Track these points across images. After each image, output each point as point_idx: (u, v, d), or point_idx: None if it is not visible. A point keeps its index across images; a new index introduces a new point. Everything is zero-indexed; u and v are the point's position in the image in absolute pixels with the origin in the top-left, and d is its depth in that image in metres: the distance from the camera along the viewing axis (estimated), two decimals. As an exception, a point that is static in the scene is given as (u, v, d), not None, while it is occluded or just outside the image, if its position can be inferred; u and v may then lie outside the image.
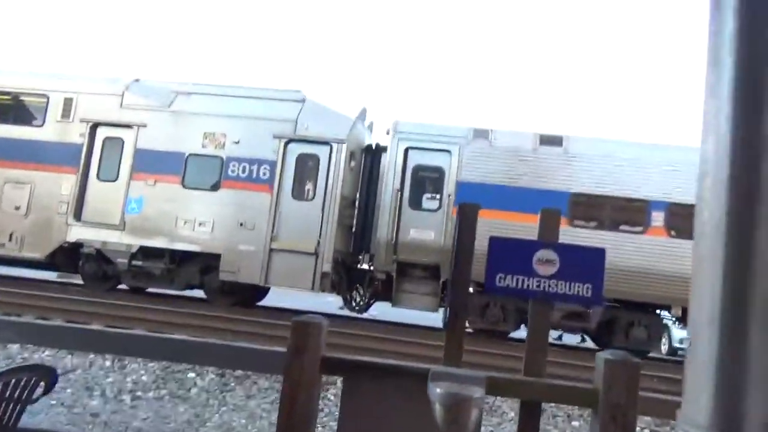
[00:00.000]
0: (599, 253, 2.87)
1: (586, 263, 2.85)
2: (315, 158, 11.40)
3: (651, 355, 11.31)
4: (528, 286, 2.80)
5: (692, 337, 0.58)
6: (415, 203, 11.37)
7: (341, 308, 12.91)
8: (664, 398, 4.72)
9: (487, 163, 11.15)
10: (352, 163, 11.71)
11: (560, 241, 2.90)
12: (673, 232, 10.54)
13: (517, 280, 2.81)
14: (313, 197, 11.32)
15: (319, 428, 4.83)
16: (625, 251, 10.40)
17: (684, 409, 0.60)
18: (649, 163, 10.78)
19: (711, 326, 0.52)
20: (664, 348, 14.88)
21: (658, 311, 10.98)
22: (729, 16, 0.57)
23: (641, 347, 10.57)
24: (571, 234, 10.18)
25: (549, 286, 2.80)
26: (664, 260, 10.40)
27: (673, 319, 12.16)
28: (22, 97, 12.40)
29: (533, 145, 11.17)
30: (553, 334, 13.65)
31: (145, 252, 11.39)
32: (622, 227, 10.86)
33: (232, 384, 6.05)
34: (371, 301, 11.99)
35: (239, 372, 6.25)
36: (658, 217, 10.62)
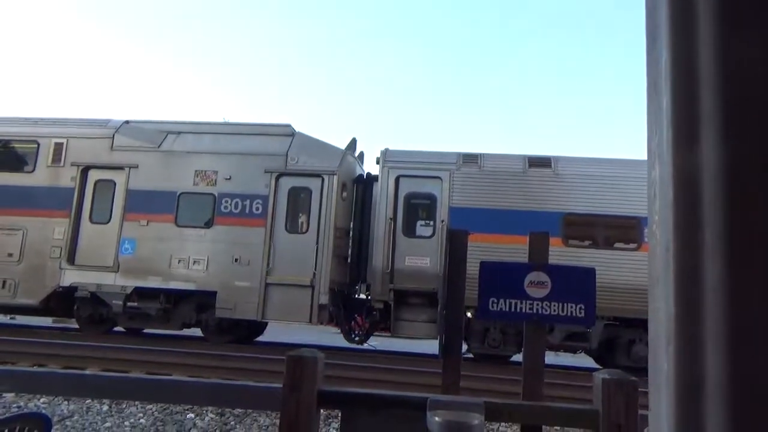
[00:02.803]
0: (590, 273, 2.89)
1: (578, 283, 2.87)
2: (307, 191, 11.45)
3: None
4: (521, 309, 2.81)
5: (652, 357, 0.60)
6: (409, 231, 11.40)
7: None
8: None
9: (477, 188, 11.23)
10: (344, 194, 11.77)
11: (556, 261, 2.93)
12: (667, 248, 10.56)
13: (510, 303, 2.82)
14: (307, 230, 11.34)
15: (321, 464, 4.75)
16: (621, 269, 10.42)
17: (650, 427, 0.61)
18: (639, 179, 10.88)
19: (669, 346, 0.54)
20: (667, 364, 14.77)
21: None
22: (663, 47, 0.61)
23: (643, 364, 10.49)
24: (566, 254, 10.24)
25: (542, 308, 2.81)
26: None
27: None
28: (12, 144, 12.46)
29: (522, 167, 11.27)
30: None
31: (140, 293, 11.31)
32: (616, 245, 10.91)
33: (232, 423, 5.96)
34: (370, 332, 11.91)
35: (239, 410, 6.17)
36: (651, 233, 10.67)
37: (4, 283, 11.47)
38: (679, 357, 0.52)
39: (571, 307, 2.82)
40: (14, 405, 6.17)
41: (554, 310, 2.81)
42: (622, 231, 11.02)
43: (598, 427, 2.45)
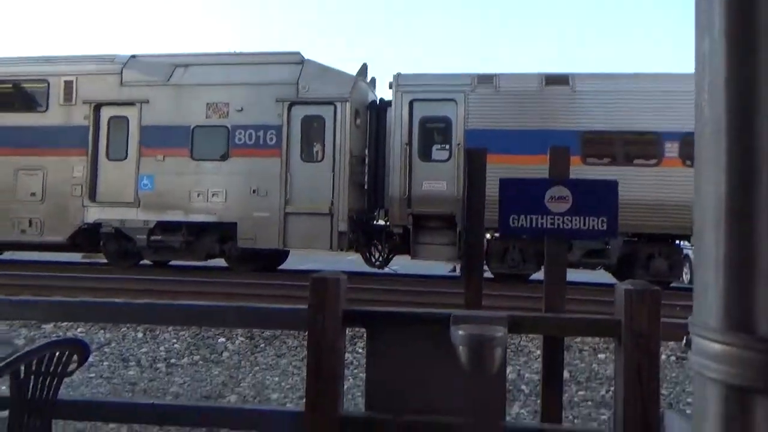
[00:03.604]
0: (611, 186, 2.85)
1: (599, 197, 2.84)
2: (320, 119, 11.32)
3: (673, 285, 11.34)
4: (542, 224, 2.80)
5: (697, 242, 0.58)
6: (425, 155, 11.30)
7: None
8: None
9: (494, 109, 10.99)
10: (358, 121, 11.62)
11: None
12: (688, 162, 10.39)
13: (531, 219, 2.81)
14: (323, 158, 11.30)
15: (350, 379, 4.96)
16: (641, 184, 10.31)
17: (695, 314, 0.60)
18: (660, 93, 10.55)
19: (717, 229, 0.52)
20: (686, 277, 14.89)
21: (677, 242, 10.94)
22: None
23: (663, 278, 10.59)
24: (585, 172, 10.11)
25: (563, 222, 2.80)
26: (680, 190, 10.29)
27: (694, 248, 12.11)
28: (23, 84, 12.39)
29: (539, 86, 10.96)
30: None
31: (163, 227, 11.53)
32: (636, 161, 10.74)
33: (262, 345, 6.21)
34: (390, 256, 12.10)
35: (268, 333, 6.40)
36: (672, 148, 10.46)
37: (30, 221, 11.76)
38: (730, 236, 0.50)
39: (593, 220, 2.80)
40: (54, 335, 6.48)
41: (576, 224, 2.80)
42: (642, 147, 10.84)
43: (620, 337, 2.49)
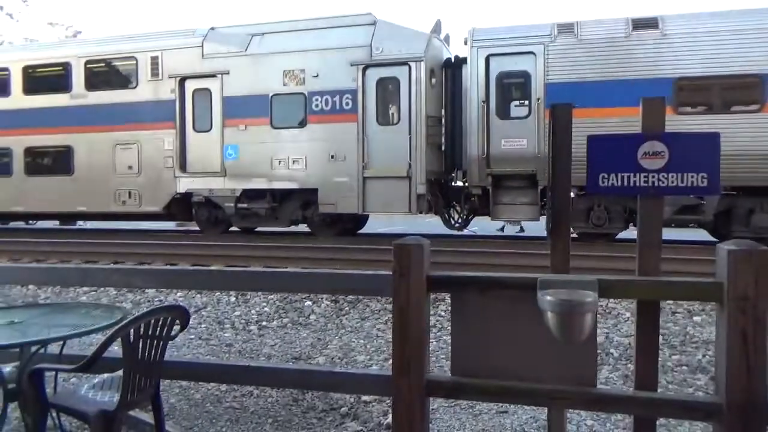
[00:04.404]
0: (713, 138, 2.63)
1: (699, 151, 2.63)
2: (395, 81, 11.22)
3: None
4: (635, 182, 2.65)
5: None
6: (503, 113, 10.97)
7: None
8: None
9: (576, 60, 10.42)
10: (433, 80, 11.42)
11: (667, 131, 2.69)
12: (795, 105, 9.46)
13: (623, 177, 2.66)
14: (399, 121, 11.25)
15: (434, 342, 5.02)
16: (741, 134, 9.53)
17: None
18: (758, 31, 9.60)
19: None
20: (793, 233, 13.72)
21: (783, 194, 10.09)
22: None
23: (766, 235, 9.84)
24: (677, 123, 9.47)
25: (659, 180, 2.62)
26: None
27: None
28: (113, 62, 13.11)
29: (625, 31, 10.25)
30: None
31: (248, 194, 12.02)
32: (734, 108, 9.90)
33: (347, 308, 6.39)
34: (470, 218, 11.99)
35: (351, 297, 6.58)
36: (776, 91, 9.54)
37: (130, 193, 12.62)
38: None
39: (692, 177, 2.61)
40: (156, 299, 6.98)
41: (672, 182, 2.61)
42: (742, 91, 9.94)
43: (722, 301, 2.34)
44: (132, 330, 2.50)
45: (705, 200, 9.80)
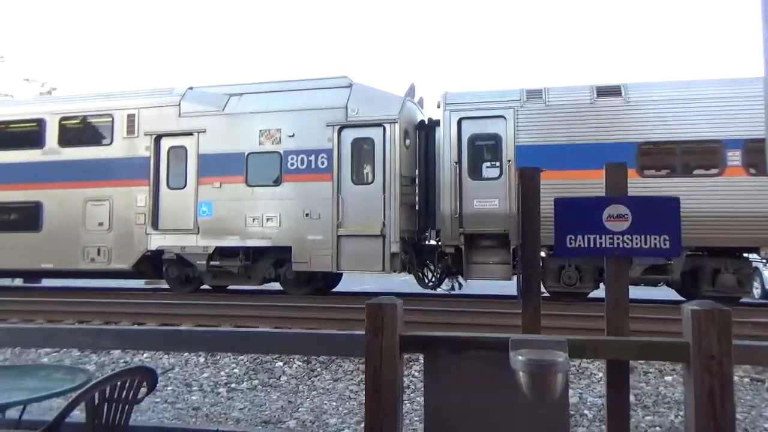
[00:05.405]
0: (673, 202, 2.76)
1: (660, 214, 2.75)
2: (370, 141, 11.46)
3: (743, 300, 10.76)
4: (601, 244, 2.74)
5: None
6: (475, 173, 11.23)
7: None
8: (763, 344, 4.49)
9: (544, 124, 10.84)
10: (407, 141, 11.70)
11: (632, 194, 2.81)
12: (752, 170, 9.92)
13: (589, 239, 2.75)
14: (373, 180, 11.41)
15: (407, 404, 4.93)
16: (703, 196, 9.91)
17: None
18: (719, 100, 10.17)
19: None
20: (757, 292, 14.09)
21: (745, 255, 10.40)
22: None
23: (731, 294, 10.08)
24: (642, 185, 9.83)
25: (623, 242, 2.72)
26: (745, 200, 9.82)
27: (764, 261, 11.50)
28: (89, 119, 13.14)
29: (590, 98, 10.75)
30: None
31: (221, 252, 11.90)
32: (696, 171, 10.34)
33: (319, 369, 6.26)
34: (443, 277, 12.01)
35: (324, 357, 6.45)
36: (734, 156, 10.01)
37: (99, 250, 12.38)
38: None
39: (655, 239, 2.72)
40: (121, 360, 6.74)
41: (636, 243, 2.72)
42: (703, 156, 10.42)
43: (689, 360, 2.39)
44: (96, 393, 2.43)
45: (672, 260, 10.04)
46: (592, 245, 2.75)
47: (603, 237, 2.75)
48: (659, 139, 10.36)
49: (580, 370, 5.94)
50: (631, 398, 4.76)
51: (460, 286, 12.01)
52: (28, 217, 12.84)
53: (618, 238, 2.73)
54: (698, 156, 10.45)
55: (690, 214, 9.40)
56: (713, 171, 10.18)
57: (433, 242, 12.23)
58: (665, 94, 10.51)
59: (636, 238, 2.73)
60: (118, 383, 2.51)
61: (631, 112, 10.53)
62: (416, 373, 5.82)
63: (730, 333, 2.36)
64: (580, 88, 11.02)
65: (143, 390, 2.69)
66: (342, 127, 11.49)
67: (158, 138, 12.43)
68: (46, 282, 16.95)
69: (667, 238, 2.71)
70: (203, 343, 3.42)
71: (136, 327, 7.23)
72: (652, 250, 2.75)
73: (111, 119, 12.72)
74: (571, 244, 2.78)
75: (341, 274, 12.50)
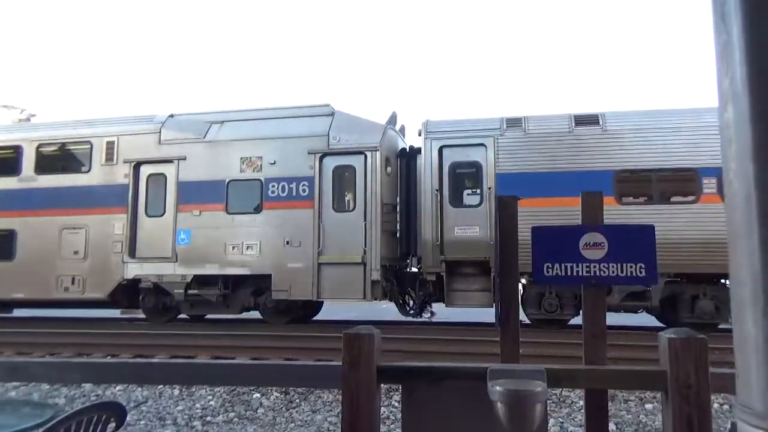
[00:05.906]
0: (649, 230, 2.78)
1: (636, 242, 2.77)
2: (351, 169, 11.48)
3: (722, 327, 10.85)
4: (577, 272, 2.74)
5: (736, 318, 0.55)
6: (456, 201, 11.29)
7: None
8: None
9: (524, 152, 10.97)
10: (389, 169, 11.74)
11: (610, 221, 2.83)
12: (728, 197, 10.11)
13: (566, 267, 2.75)
14: (354, 207, 11.39)
15: (386, 436, 4.83)
16: (680, 223, 10.05)
17: (738, 393, 0.56)
18: (694, 128, 10.40)
19: (755, 306, 0.49)
20: (735, 318, 14.21)
21: (723, 281, 10.52)
22: None
23: (710, 320, 10.16)
24: (619, 213, 9.95)
25: (600, 270, 2.73)
26: (722, 227, 9.97)
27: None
28: (67, 146, 12.98)
29: (569, 126, 10.93)
30: None
31: (200, 280, 11.70)
32: (673, 199, 10.51)
33: (297, 400, 6.13)
34: (425, 304, 11.94)
35: (302, 388, 6.33)
36: (710, 183, 10.21)
37: (73, 279, 12.09)
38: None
39: (631, 266, 2.73)
40: (93, 393, 6.54)
41: (613, 271, 2.72)
42: (679, 184, 10.61)
43: (666, 389, 2.37)
44: (61, 430, 2.33)
45: (651, 287, 10.11)
46: (569, 273, 2.75)
47: (580, 265, 2.75)
48: (636, 167, 10.53)
49: (561, 399, 5.90)
50: (612, 426, 4.73)
51: (432, 314, 11.91)
52: (1, 246, 12.54)
53: (595, 266, 2.73)
54: (675, 183, 10.63)
55: (668, 241, 9.53)
56: (690, 198, 10.35)
57: (414, 269, 12.19)
58: (641, 123, 10.73)
59: (612, 266, 2.74)
60: (84, 419, 2.42)
61: (608, 140, 10.72)
62: (396, 403, 5.73)
63: (707, 361, 2.35)
64: (558, 117, 11.21)
65: (111, 426, 2.59)
66: (323, 155, 11.50)
67: (137, 165, 12.31)
68: (18, 312, 16.50)
69: (643, 266, 2.72)
70: (177, 375, 3.31)
71: (106, 360, 7.03)
72: (628, 278, 2.75)
73: (90, 146, 12.58)
74: (548, 272, 2.78)
75: (322, 302, 12.36)
